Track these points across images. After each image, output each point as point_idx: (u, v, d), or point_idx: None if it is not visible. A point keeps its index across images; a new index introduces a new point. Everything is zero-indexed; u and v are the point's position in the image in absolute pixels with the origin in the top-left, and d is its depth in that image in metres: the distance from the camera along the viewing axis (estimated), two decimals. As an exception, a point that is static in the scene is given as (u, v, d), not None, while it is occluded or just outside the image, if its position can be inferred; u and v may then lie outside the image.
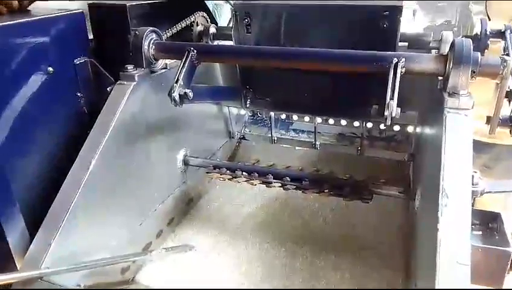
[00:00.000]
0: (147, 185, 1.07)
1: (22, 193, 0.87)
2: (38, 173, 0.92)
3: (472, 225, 0.91)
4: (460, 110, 0.78)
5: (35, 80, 0.87)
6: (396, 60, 0.83)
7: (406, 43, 1.11)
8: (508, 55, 0.98)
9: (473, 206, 0.92)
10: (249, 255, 1.11)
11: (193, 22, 1.20)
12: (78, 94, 0.98)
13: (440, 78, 0.86)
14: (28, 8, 0.95)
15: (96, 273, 0.89)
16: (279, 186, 1.13)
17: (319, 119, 1.45)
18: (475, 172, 0.92)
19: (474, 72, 0.80)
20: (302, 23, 1.10)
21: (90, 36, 1.05)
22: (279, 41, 1.14)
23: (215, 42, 1.26)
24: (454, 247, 0.65)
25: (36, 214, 0.85)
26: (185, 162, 1.22)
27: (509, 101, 0.90)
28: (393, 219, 1.21)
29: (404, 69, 0.84)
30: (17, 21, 0.83)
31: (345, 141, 1.50)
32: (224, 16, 1.76)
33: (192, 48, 0.95)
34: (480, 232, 0.91)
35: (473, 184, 0.89)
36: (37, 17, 0.86)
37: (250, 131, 1.58)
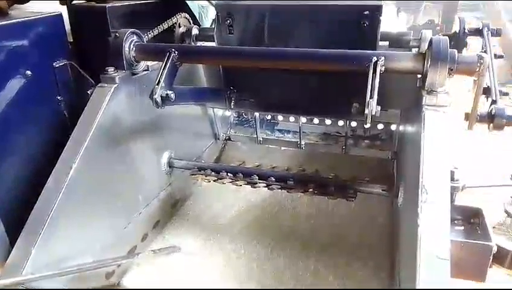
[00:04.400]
0: (131, 188, 1.06)
1: (1, 196, 0.86)
2: (19, 176, 0.90)
3: (454, 220, 0.93)
4: (438, 107, 0.80)
5: (14, 84, 0.86)
6: (376, 59, 0.84)
7: (387, 42, 1.13)
8: (485, 52, 1.00)
9: (454, 201, 0.94)
10: (236, 255, 1.11)
11: (175, 23, 1.19)
12: (58, 97, 0.96)
13: (419, 76, 0.88)
14: (8, 11, 0.93)
15: (80, 279, 0.88)
16: (264, 187, 1.13)
17: (303, 119, 1.45)
18: (456, 168, 0.94)
19: (451, 69, 0.81)
20: (284, 23, 1.11)
21: (70, 39, 1.04)
22: (262, 41, 1.15)
23: (198, 43, 1.26)
24: (434, 242, 0.66)
25: (16, 220, 0.84)
26: (170, 165, 1.22)
27: (487, 98, 0.92)
28: (378, 218, 1.22)
29: (383, 67, 0.85)
30: (-7, 24, 0.81)
31: (330, 140, 1.50)
32: (210, 17, 1.76)
33: (173, 49, 0.95)
34: (462, 227, 0.92)
35: (453, 180, 0.90)
36: (15, 20, 0.85)
37: (235, 132, 1.58)
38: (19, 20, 0.87)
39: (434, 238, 0.66)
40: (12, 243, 0.80)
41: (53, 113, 0.95)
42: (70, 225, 0.86)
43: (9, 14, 0.93)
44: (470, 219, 0.92)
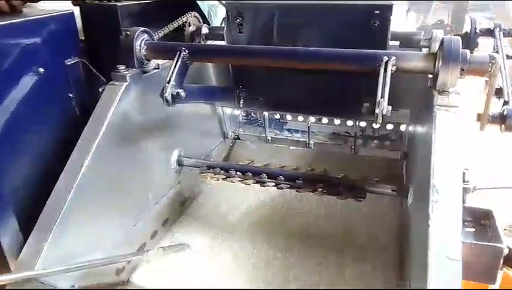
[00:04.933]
0: (141, 185, 1.07)
1: (15, 194, 0.87)
2: (31, 174, 0.91)
3: (464, 221, 0.92)
4: (449, 107, 0.79)
5: (26, 81, 0.87)
6: (387, 59, 0.84)
7: (397, 42, 1.12)
8: (497, 52, 0.99)
9: (465, 203, 0.93)
10: (243, 254, 1.11)
11: (185, 22, 1.20)
12: (70, 95, 0.97)
13: (430, 76, 0.87)
14: (21, 10, 0.94)
15: (90, 275, 0.89)
16: (273, 186, 1.14)
17: (312, 119, 1.45)
18: (466, 169, 0.93)
19: (463, 69, 0.81)
20: (294, 22, 1.11)
21: (82, 37, 1.05)
22: (271, 40, 1.15)
23: (208, 42, 1.26)
24: (446, 243, 0.66)
25: (29, 216, 0.84)
26: (179, 163, 1.22)
27: (499, 98, 0.91)
28: (387, 217, 1.21)
29: (394, 67, 0.84)
30: (6, 22, 0.82)
31: (339, 140, 1.50)
32: (219, 16, 1.76)
33: (183, 48, 0.95)
34: (473, 229, 0.91)
35: (464, 181, 0.90)
36: (27, 18, 0.86)
37: (244, 131, 1.58)
38: (32, 18, 0.88)
39: (445, 239, 0.66)
40: (25, 239, 0.81)
41: (64, 111, 0.96)
42: (82, 221, 0.87)
43: (23, 12, 0.94)
44: (480, 221, 0.91)
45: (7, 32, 0.82)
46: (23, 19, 0.85)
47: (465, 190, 0.90)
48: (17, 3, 0.91)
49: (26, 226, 0.83)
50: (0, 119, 0.83)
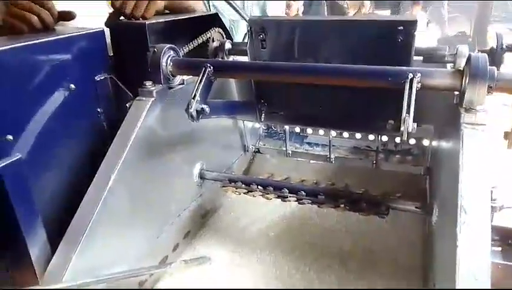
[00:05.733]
0: (165, 198, 1.09)
1: (44, 206, 0.89)
2: (60, 187, 0.94)
3: (491, 240, 0.90)
4: (477, 125, 0.78)
5: (58, 97, 0.90)
6: (412, 76, 0.84)
7: (421, 57, 1.12)
8: (525, 69, 0.97)
9: (492, 221, 0.91)
10: (264, 268, 1.11)
11: (209, 38, 1.22)
12: (98, 110, 1.00)
13: (456, 92, 0.87)
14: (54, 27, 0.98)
15: (115, 286, 0.90)
16: (295, 201, 1.13)
17: (333, 133, 1.45)
18: (493, 187, 0.91)
19: (490, 87, 0.80)
20: (317, 38, 1.12)
21: (110, 53, 1.08)
22: (294, 56, 1.16)
23: (231, 57, 1.28)
24: (474, 264, 0.64)
25: (57, 228, 0.87)
26: (201, 176, 1.24)
27: (527, 116, 0.89)
28: (410, 235, 1.19)
29: (420, 84, 0.84)
30: (41, 40, 0.86)
31: (360, 154, 1.49)
32: (240, 31, 1.79)
33: (209, 64, 0.97)
34: (500, 248, 0.90)
35: (491, 199, 0.88)
36: (60, 36, 0.89)
37: (264, 144, 1.59)
38: (64, 36, 0.91)
39: (474, 261, 0.65)
40: (53, 251, 0.83)
41: (93, 125, 0.98)
42: (108, 234, 0.89)
43: (55, 30, 0.97)
44: (508, 240, 0.90)
45: (41, 50, 0.85)
46: (57, 37, 0.88)
47: (493, 209, 0.89)
48: (50, 21, 0.94)
49: (54, 238, 0.85)
50: (31, 133, 0.86)
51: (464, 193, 0.70)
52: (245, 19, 1.28)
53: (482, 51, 1.08)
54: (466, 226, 0.67)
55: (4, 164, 0.71)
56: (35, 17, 0.92)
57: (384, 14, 8.23)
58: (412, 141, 1.41)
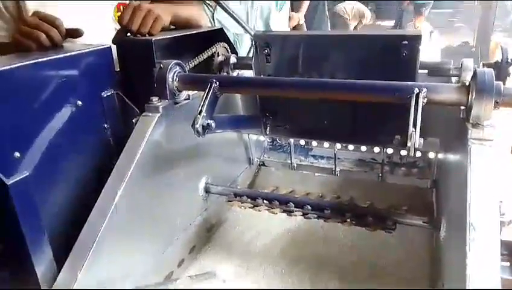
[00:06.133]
0: (170, 213, 1.09)
1: (51, 221, 0.89)
2: (67, 202, 0.94)
3: (500, 255, 0.90)
4: (484, 141, 0.78)
5: (65, 113, 0.90)
6: (418, 91, 0.84)
7: (426, 71, 1.12)
8: (531, 83, 0.97)
9: (500, 236, 0.90)
10: (270, 282, 1.10)
11: (214, 52, 1.23)
12: (105, 125, 1.00)
13: (462, 107, 0.86)
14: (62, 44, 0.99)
15: (120, 303, 0.90)
16: (301, 215, 1.13)
17: (338, 145, 1.45)
18: (501, 202, 0.91)
19: (497, 102, 0.80)
20: (322, 53, 1.12)
21: (117, 68, 1.09)
22: (299, 70, 1.16)
23: (236, 71, 1.29)
24: (484, 282, 0.64)
25: (63, 243, 0.86)
26: (207, 190, 1.24)
27: (535, 130, 0.89)
28: (417, 249, 1.18)
29: (426, 99, 0.84)
30: (49, 57, 0.87)
31: (366, 167, 1.49)
32: (245, 44, 1.81)
33: (215, 80, 0.98)
34: (509, 263, 0.89)
35: (500, 214, 0.87)
36: (68, 54, 0.90)
37: (269, 157, 1.59)
38: (72, 53, 0.92)
39: (484, 278, 0.64)
40: (59, 268, 0.83)
41: (99, 141, 0.99)
42: (114, 250, 0.88)
43: (63, 47, 0.98)
44: (516, 255, 0.89)
45: (49, 67, 0.86)
46: (64, 55, 0.89)
47: (501, 223, 0.88)
48: (58, 39, 0.95)
49: (60, 254, 0.85)
50: (38, 149, 0.86)
51: (473, 210, 0.70)
52: (250, 33, 1.29)
53: (488, 65, 1.08)
54: (475, 244, 0.67)
55: (11, 182, 0.71)
56: (44, 35, 0.93)
57: (387, 24, 8.30)
58: (418, 154, 1.40)
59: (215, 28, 1.37)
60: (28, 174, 0.77)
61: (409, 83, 0.88)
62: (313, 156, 1.57)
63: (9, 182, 0.71)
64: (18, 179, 0.73)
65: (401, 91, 0.86)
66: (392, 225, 1.06)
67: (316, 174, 1.52)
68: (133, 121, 0.96)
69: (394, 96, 0.87)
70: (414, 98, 0.83)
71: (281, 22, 2.51)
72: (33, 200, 0.78)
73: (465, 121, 0.83)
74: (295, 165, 1.52)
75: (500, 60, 1.10)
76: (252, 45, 1.20)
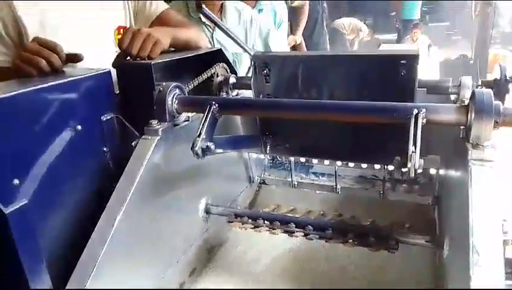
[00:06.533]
0: (170, 236, 1.08)
1: (50, 247, 0.89)
2: (66, 227, 0.93)
3: (505, 273, 0.88)
4: (485, 161, 0.77)
5: (64, 138, 0.90)
6: (417, 111, 0.84)
7: (425, 89, 1.12)
8: (529, 101, 0.97)
9: (504, 255, 0.89)
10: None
11: (214, 73, 1.24)
12: (104, 149, 1.00)
13: (462, 127, 0.86)
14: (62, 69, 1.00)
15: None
16: (302, 236, 1.12)
17: (339, 162, 1.44)
18: (504, 220, 0.90)
19: (497, 122, 0.80)
20: (320, 73, 1.13)
21: (116, 91, 1.09)
22: (298, 90, 1.17)
23: (235, 91, 1.29)
24: (489, 307, 0.63)
25: (62, 268, 0.86)
26: (207, 211, 1.23)
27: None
28: (422, 271, 1.17)
29: (425, 119, 0.84)
30: (50, 83, 0.87)
31: (367, 184, 1.48)
32: (244, 64, 1.82)
33: (214, 102, 0.98)
34: (514, 282, 0.87)
35: (503, 233, 0.86)
36: (68, 79, 0.91)
37: (270, 175, 1.59)
38: (71, 78, 0.92)
39: (489, 303, 0.63)
40: (57, 293, 0.82)
41: (99, 165, 0.99)
42: (114, 275, 0.87)
43: (64, 71, 0.99)
44: (521, 273, 0.88)
45: (49, 93, 0.87)
46: (64, 80, 0.90)
47: (505, 242, 0.87)
48: (58, 64, 0.96)
49: (59, 282, 0.84)
50: (37, 176, 0.86)
51: (475, 232, 0.69)
52: (249, 54, 1.30)
53: (486, 83, 1.09)
54: (479, 268, 0.66)
55: (10, 210, 0.71)
56: (44, 62, 0.94)
57: (385, 38, 8.38)
58: (419, 170, 1.39)
59: (214, 49, 1.38)
60: (26, 201, 0.76)
61: (408, 104, 0.88)
62: (314, 173, 1.56)
63: (7, 211, 0.70)
64: (16, 207, 0.72)
65: (400, 112, 0.86)
66: (394, 244, 1.05)
67: (317, 191, 1.51)
68: (133, 144, 0.96)
69: (393, 117, 0.87)
70: (413, 118, 0.83)
71: (280, 40, 2.54)
72: (32, 228, 0.78)
73: (465, 141, 0.83)
74: (296, 183, 1.52)
75: (499, 78, 1.10)
76: (251, 64, 1.20)
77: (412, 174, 0.80)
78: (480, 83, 1.12)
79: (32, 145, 0.85)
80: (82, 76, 0.94)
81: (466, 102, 0.92)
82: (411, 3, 7.68)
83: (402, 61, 1.04)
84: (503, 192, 0.87)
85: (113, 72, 1.06)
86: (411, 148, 0.80)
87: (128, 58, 1.08)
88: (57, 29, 1.14)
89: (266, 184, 1.58)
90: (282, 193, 1.55)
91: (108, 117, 1.00)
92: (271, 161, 1.62)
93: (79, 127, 0.92)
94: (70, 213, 0.94)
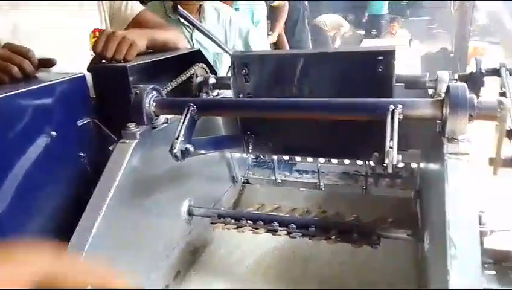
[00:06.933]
0: (153, 240, 1.07)
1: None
2: (42, 234, 0.92)
3: (485, 263, 0.90)
4: (460, 155, 0.78)
5: (39, 146, 0.88)
6: (394, 107, 0.84)
7: (403, 84, 1.13)
8: (504, 94, 0.99)
9: (483, 245, 0.90)
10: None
11: (193, 74, 1.23)
12: (81, 154, 0.99)
13: (438, 121, 0.87)
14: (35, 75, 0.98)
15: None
16: (285, 235, 1.12)
17: (321, 159, 1.45)
18: (482, 212, 0.91)
19: (471, 115, 0.81)
20: (299, 71, 1.13)
21: (92, 95, 1.07)
22: (277, 88, 1.17)
23: (215, 92, 1.29)
24: (467, 297, 0.64)
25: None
26: (190, 213, 1.22)
27: (510, 140, 0.90)
28: (405, 264, 1.18)
29: (401, 115, 0.85)
30: (22, 90, 0.85)
31: (349, 179, 1.49)
32: (225, 64, 1.81)
33: (191, 104, 0.97)
34: (494, 272, 0.89)
35: (480, 224, 0.88)
36: (41, 85, 0.89)
37: (253, 174, 1.58)
38: (46, 84, 0.90)
39: (466, 293, 0.64)
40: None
41: (76, 170, 0.97)
42: (93, 283, 0.86)
43: (37, 77, 0.97)
44: (501, 262, 0.89)
45: (23, 99, 0.85)
46: (38, 86, 0.88)
47: (483, 233, 0.89)
48: (30, 70, 0.94)
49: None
50: (12, 185, 0.84)
51: (452, 226, 0.70)
52: (228, 53, 1.29)
53: (463, 77, 1.10)
54: (456, 261, 0.66)
55: (-18, 222, 0.69)
56: (16, 68, 0.91)
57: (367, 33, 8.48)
58: (401, 164, 1.41)
59: (193, 49, 1.37)
60: (0, 211, 0.74)
61: (385, 100, 0.88)
62: (297, 171, 1.57)
63: (-21, 222, 0.68)
64: (-11, 218, 0.70)
65: (377, 108, 0.86)
66: (376, 239, 1.06)
67: (301, 189, 1.52)
68: (110, 148, 0.94)
69: (370, 114, 0.88)
70: (390, 114, 0.84)
71: (261, 39, 2.53)
72: (6, 237, 0.76)
73: (441, 135, 0.84)
74: (279, 181, 1.52)
75: (474, 71, 1.12)
76: (230, 65, 1.20)
77: (390, 170, 0.81)
78: (457, 77, 1.14)
79: (5, 153, 0.83)
80: (56, 81, 0.92)
81: (443, 96, 0.93)
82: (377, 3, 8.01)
83: (379, 57, 1.04)
84: (481, 184, 0.89)
85: (89, 76, 1.04)
86: (388, 144, 0.81)
87: (104, 61, 1.06)
88: (29, 34, 1.12)
89: (250, 183, 1.57)
90: (266, 192, 1.55)
91: (84, 122, 0.98)
92: (254, 160, 1.62)
93: (54, 133, 0.90)
94: (48, 221, 0.92)
